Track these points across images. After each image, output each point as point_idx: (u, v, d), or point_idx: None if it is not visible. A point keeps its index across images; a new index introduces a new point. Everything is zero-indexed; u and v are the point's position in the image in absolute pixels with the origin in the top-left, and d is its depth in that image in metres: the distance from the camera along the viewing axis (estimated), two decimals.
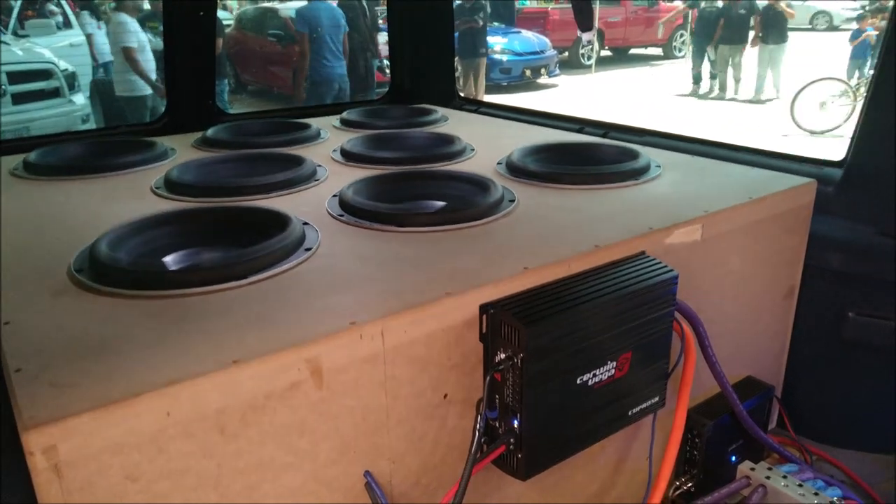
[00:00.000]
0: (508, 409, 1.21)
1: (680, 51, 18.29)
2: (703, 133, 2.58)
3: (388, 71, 3.88)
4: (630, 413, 1.38)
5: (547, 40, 15.50)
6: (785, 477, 1.61)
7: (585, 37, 16.00)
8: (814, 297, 2.00)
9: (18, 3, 10.17)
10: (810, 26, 20.77)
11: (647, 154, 2.03)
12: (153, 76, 7.29)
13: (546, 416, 1.22)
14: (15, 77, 7.30)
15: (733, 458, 1.72)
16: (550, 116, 3.00)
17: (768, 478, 1.62)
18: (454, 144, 2.23)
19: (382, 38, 9.66)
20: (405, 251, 1.41)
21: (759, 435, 1.69)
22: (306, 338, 1.06)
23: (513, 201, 1.69)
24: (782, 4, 12.51)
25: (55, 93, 7.64)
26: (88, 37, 9.66)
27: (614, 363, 1.29)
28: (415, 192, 1.84)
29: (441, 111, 2.91)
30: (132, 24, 7.24)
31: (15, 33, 9.57)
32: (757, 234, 1.75)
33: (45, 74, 7.63)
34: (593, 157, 2.09)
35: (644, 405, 1.40)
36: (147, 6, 8.64)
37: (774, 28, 12.47)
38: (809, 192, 1.86)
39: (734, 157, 2.18)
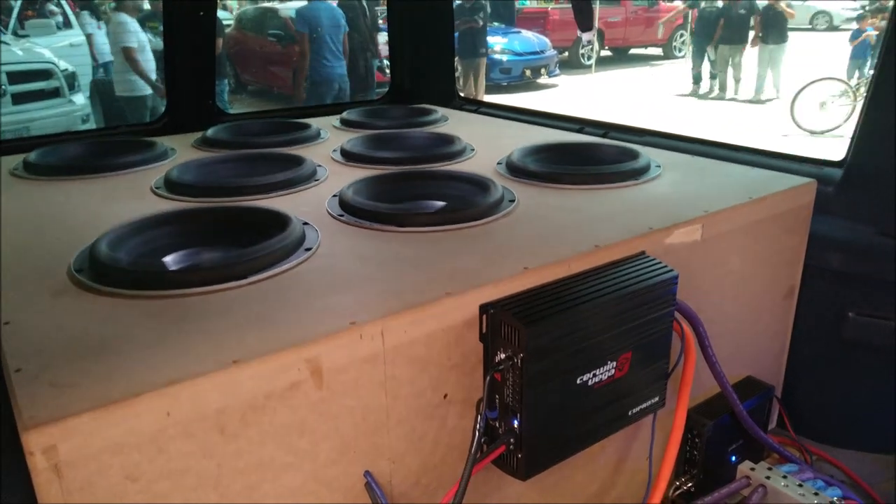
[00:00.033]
0: (508, 409, 1.21)
1: (680, 51, 18.29)
2: (704, 133, 2.58)
3: (387, 71, 3.88)
4: (630, 413, 1.38)
5: (547, 40, 15.51)
6: (785, 477, 1.61)
7: (585, 37, 16.01)
8: (814, 297, 2.00)
9: (18, 3, 10.17)
10: (810, 26, 20.76)
11: (647, 154, 2.03)
12: (153, 76, 7.29)
13: (546, 416, 1.22)
14: (15, 77, 7.30)
15: (733, 458, 1.72)
16: (550, 116, 3.00)
17: (768, 478, 1.62)
18: (454, 144, 2.23)
19: (382, 38, 9.65)
20: (405, 251, 1.41)
21: (759, 435, 1.69)
22: (306, 338, 1.06)
23: (513, 201, 1.69)
24: (782, 4, 12.51)
25: (55, 93, 7.65)
26: (88, 37, 9.66)
27: (614, 363, 1.29)
28: (415, 192, 1.84)
29: (441, 111, 2.91)
30: (132, 24, 7.24)
31: (15, 33, 9.58)
32: (757, 234, 1.75)
33: (45, 74, 7.63)
34: (593, 157, 2.09)
35: (644, 405, 1.40)
36: (147, 6, 8.64)
37: (774, 28, 12.47)
38: (809, 192, 1.86)
39: (734, 157, 2.18)
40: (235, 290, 1.24)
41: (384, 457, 1.19)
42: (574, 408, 1.27)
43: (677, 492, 1.71)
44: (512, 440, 1.22)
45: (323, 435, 1.10)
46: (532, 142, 2.18)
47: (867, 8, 13.35)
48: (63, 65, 7.91)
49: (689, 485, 1.71)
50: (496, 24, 15.71)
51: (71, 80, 7.91)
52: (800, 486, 1.58)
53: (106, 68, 9.92)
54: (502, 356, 1.19)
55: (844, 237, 1.96)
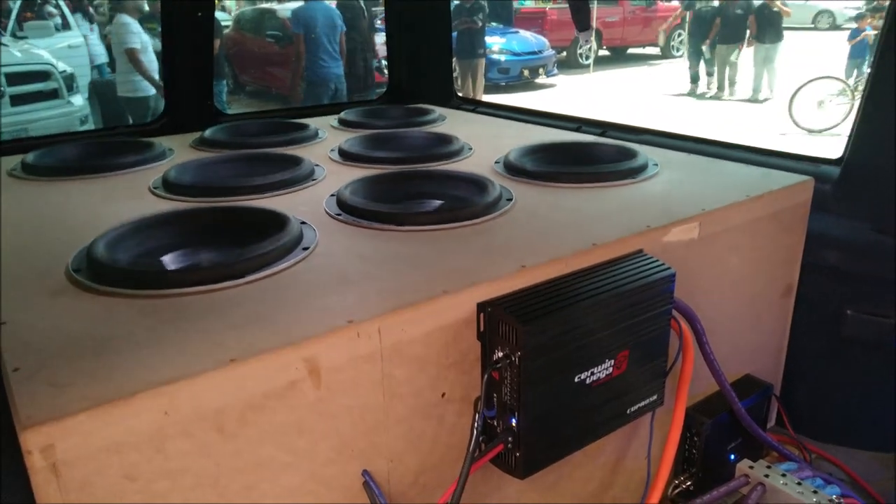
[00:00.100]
0: (506, 407, 1.21)
1: (678, 50, 18.29)
2: (702, 132, 2.58)
3: (386, 71, 3.88)
4: (628, 411, 1.38)
5: (545, 40, 15.52)
6: (784, 475, 1.61)
7: (583, 36, 16.01)
8: (812, 294, 2.00)
9: (17, 4, 10.17)
10: (813, 25, 20.75)
11: (645, 153, 2.03)
12: (156, 77, 7.29)
13: (544, 414, 1.22)
14: (13, 79, 7.30)
15: (732, 457, 1.72)
16: (548, 116, 3.01)
17: (767, 476, 1.61)
18: (452, 144, 2.23)
19: (379, 38, 9.65)
20: (403, 250, 1.41)
21: (758, 433, 1.69)
22: (304, 337, 1.06)
23: (510, 200, 1.69)
24: (778, 3, 12.51)
25: (53, 94, 7.65)
26: (84, 38, 9.67)
27: (612, 361, 1.30)
28: (412, 192, 1.84)
29: (439, 111, 2.91)
30: (134, 24, 7.24)
31: (14, 35, 9.58)
32: (754, 233, 1.75)
33: (44, 76, 7.64)
34: (591, 156, 2.09)
35: (642, 403, 1.40)
36: (146, 7, 8.64)
37: (770, 27, 12.47)
38: (807, 190, 1.86)
39: (731, 155, 2.18)
40: (233, 289, 1.24)
41: (382, 456, 1.19)
42: (572, 406, 1.27)
43: (676, 490, 1.71)
44: (510, 439, 1.23)
45: (321, 434, 1.11)
46: (530, 141, 2.19)
47: (866, 7, 13.36)
48: (61, 66, 7.91)
49: (688, 483, 1.71)
50: (494, 24, 15.71)
51: (69, 81, 7.92)
52: (799, 484, 1.58)
53: (99, 70, 9.93)
54: (500, 354, 1.19)
55: (842, 235, 1.96)
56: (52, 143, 2.40)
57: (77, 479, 0.89)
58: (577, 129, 2.71)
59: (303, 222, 1.53)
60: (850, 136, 1.99)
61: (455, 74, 10.25)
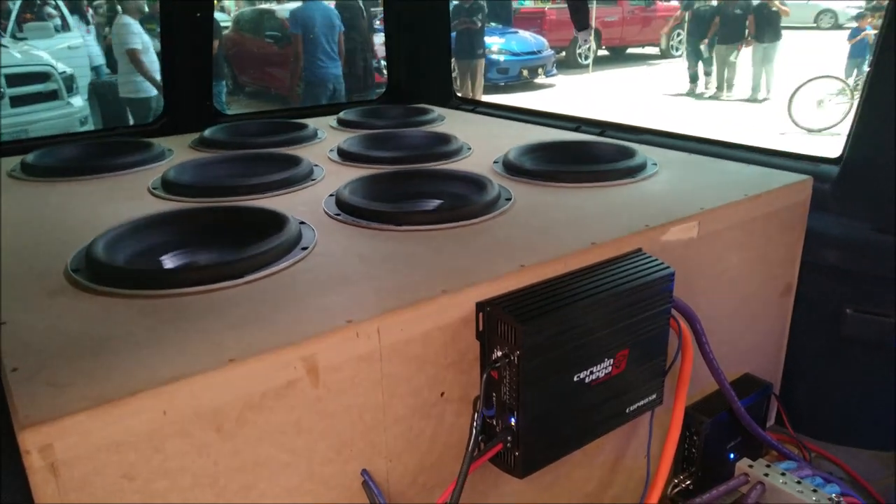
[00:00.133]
0: (505, 406, 1.21)
1: (677, 50, 18.29)
2: (701, 132, 2.58)
3: (384, 71, 3.89)
4: (627, 410, 1.38)
5: (544, 40, 15.52)
6: (783, 474, 1.61)
7: (581, 36, 16.01)
8: (811, 293, 2.00)
9: (17, 5, 10.17)
10: (815, 24, 20.74)
11: (644, 152, 2.03)
12: (158, 77, 7.30)
13: (543, 413, 1.22)
14: (13, 80, 7.30)
15: (731, 456, 1.72)
16: (547, 115, 3.01)
17: (767, 475, 1.61)
18: (451, 143, 2.23)
19: (378, 38, 9.64)
20: (402, 250, 1.41)
21: (758, 432, 1.69)
22: (303, 336, 1.06)
23: (509, 200, 1.69)
24: (777, 2, 12.51)
25: (53, 95, 7.64)
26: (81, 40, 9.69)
27: (611, 360, 1.30)
28: (411, 191, 1.84)
29: (438, 111, 2.91)
30: (135, 25, 7.24)
31: (13, 36, 9.58)
32: (753, 232, 1.75)
33: (43, 77, 7.63)
34: (590, 156, 2.09)
35: (641, 402, 1.40)
36: (146, 8, 8.65)
37: (769, 26, 12.47)
38: (806, 189, 1.86)
39: (730, 154, 2.18)
40: (232, 289, 1.24)
41: (381, 455, 1.19)
42: (571, 405, 1.27)
43: (675, 489, 1.71)
44: (509, 438, 1.22)
45: (320, 433, 1.10)
46: (529, 141, 2.19)
47: (866, 7, 13.36)
48: (61, 67, 7.91)
49: (688, 482, 1.71)
50: (493, 24, 15.71)
51: (69, 82, 7.92)
52: (798, 483, 1.58)
53: (96, 71, 9.93)
54: (499, 354, 1.19)
55: (841, 234, 1.96)
56: (51, 143, 2.40)
57: (76, 479, 0.89)
58: (577, 129, 2.71)
59: (302, 222, 1.53)
60: (849, 135, 1.99)
61: (454, 75, 10.25)
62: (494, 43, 14.40)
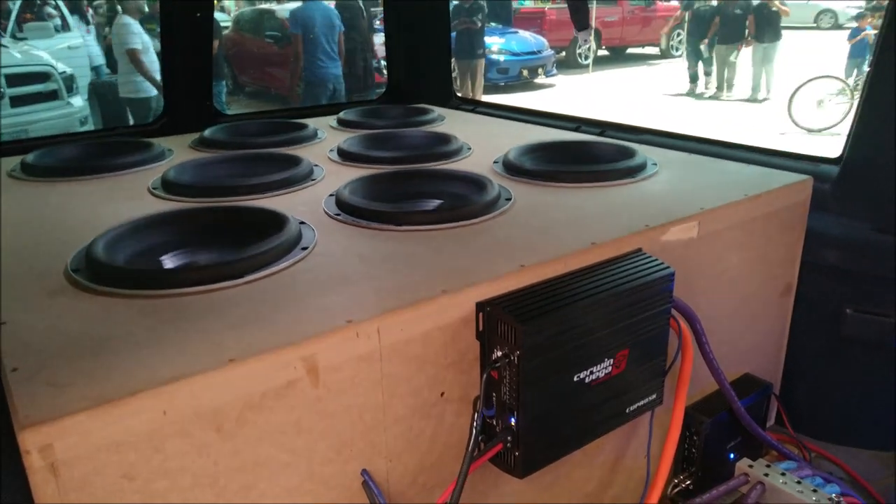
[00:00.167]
0: (505, 406, 1.21)
1: (677, 49, 18.29)
2: (701, 132, 2.58)
3: (384, 71, 3.89)
4: (627, 410, 1.38)
5: (544, 40, 15.52)
6: (783, 474, 1.61)
7: (581, 36, 16.01)
8: (811, 293, 2.00)
9: (17, 5, 10.18)
10: (815, 24, 20.72)
11: (644, 152, 2.03)
12: (158, 77, 7.30)
13: (543, 413, 1.22)
14: (13, 80, 7.30)
15: (731, 456, 1.72)
16: (547, 115, 3.01)
17: (767, 475, 1.61)
18: (451, 143, 2.23)
19: (378, 38, 9.64)
20: (402, 250, 1.41)
21: (758, 432, 1.69)
22: (303, 336, 1.06)
23: (509, 199, 1.69)
24: (776, 2, 12.52)
25: (53, 95, 7.64)
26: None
27: (611, 360, 1.30)
28: (411, 191, 1.84)
29: (438, 111, 2.91)
30: (136, 25, 7.24)
31: (13, 36, 9.58)
32: (753, 232, 1.75)
33: (43, 77, 7.63)
34: (590, 156, 2.09)
35: (641, 402, 1.40)
36: (146, 8, 8.65)
37: (769, 26, 12.47)
38: (806, 189, 1.86)
39: (730, 154, 2.18)
40: (232, 289, 1.24)
41: (381, 455, 1.19)
42: (571, 405, 1.27)
43: (675, 489, 1.71)
44: (509, 438, 1.22)
45: (320, 433, 1.10)
46: (529, 140, 2.19)
47: (866, 7, 13.35)
48: (61, 67, 7.91)
49: (688, 482, 1.71)
50: (493, 24, 15.72)
51: (69, 82, 7.92)
52: (798, 483, 1.58)
53: (96, 71, 9.93)
54: (499, 354, 1.19)
55: (841, 234, 1.96)
56: (51, 143, 2.40)
57: (75, 479, 0.89)
58: (577, 129, 2.71)
59: (302, 222, 1.53)
60: (848, 135, 1.99)
61: (454, 75, 10.24)
62: (494, 43, 14.40)
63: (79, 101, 8.04)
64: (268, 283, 1.26)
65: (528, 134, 2.47)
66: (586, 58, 17.34)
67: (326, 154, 2.22)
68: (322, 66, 7.85)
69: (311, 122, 2.63)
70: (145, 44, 7.20)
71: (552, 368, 1.21)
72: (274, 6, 13.99)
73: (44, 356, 1.02)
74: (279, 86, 11.93)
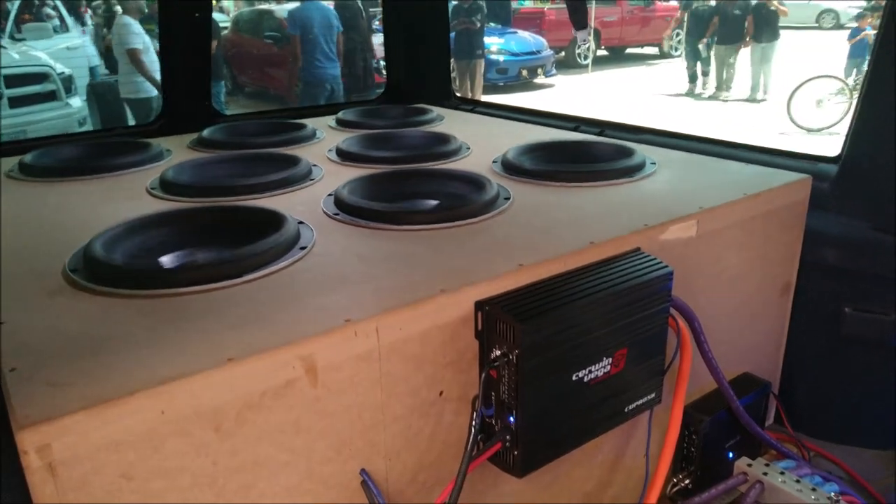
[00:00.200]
0: (504, 405, 1.21)
1: (676, 49, 18.29)
2: (700, 131, 2.58)
3: (384, 71, 3.89)
4: (626, 409, 1.38)
5: (543, 40, 15.52)
6: (782, 473, 1.61)
7: (580, 35, 16.00)
8: (810, 292, 2.00)
9: (15, 6, 10.17)
10: (816, 24, 20.71)
11: (643, 151, 2.03)
12: (158, 77, 7.29)
13: (542, 412, 1.22)
14: (11, 80, 7.30)
15: (730, 455, 1.72)
16: (546, 115, 3.00)
17: (766, 474, 1.61)
18: (450, 143, 2.23)
19: (377, 39, 9.64)
20: (400, 249, 1.41)
21: (757, 431, 1.69)
22: (302, 336, 1.06)
23: (508, 199, 1.69)
24: (775, 2, 12.52)
25: (52, 96, 7.64)
26: None
27: (610, 359, 1.30)
28: (410, 191, 1.84)
29: (437, 110, 2.91)
30: (136, 25, 7.24)
31: (12, 37, 9.58)
32: (752, 231, 1.75)
33: (42, 78, 7.63)
34: (589, 155, 2.09)
35: (640, 402, 1.40)
36: (145, 8, 8.65)
37: (767, 26, 12.47)
38: (805, 188, 1.86)
39: (729, 153, 2.18)
40: (231, 288, 1.24)
41: (380, 455, 1.19)
42: (570, 404, 1.27)
43: (674, 489, 1.71)
44: (508, 437, 1.22)
45: (318, 433, 1.10)
46: (527, 140, 2.19)
47: (866, 7, 13.36)
48: (60, 68, 7.90)
49: (687, 481, 1.71)
50: (492, 24, 15.71)
51: (67, 83, 7.91)
52: (797, 482, 1.58)
53: (92, 72, 9.93)
54: (498, 353, 1.19)
55: (840, 233, 1.96)
56: (49, 144, 2.40)
57: (74, 479, 0.89)
58: (576, 129, 2.71)
59: (300, 222, 1.53)
60: (847, 134, 1.99)
61: (453, 75, 10.24)
62: (493, 43, 14.40)
63: (77, 102, 8.03)
64: (266, 283, 1.26)
65: (528, 134, 2.47)
66: (585, 58, 17.34)
67: (325, 154, 2.22)
68: (320, 66, 7.84)
69: (310, 123, 2.63)
70: (146, 44, 7.20)
71: (551, 367, 1.21)
72: (273, 7, 13.98)
73: (42, 356, 1.02)
74: (278, 86, 11.92)
